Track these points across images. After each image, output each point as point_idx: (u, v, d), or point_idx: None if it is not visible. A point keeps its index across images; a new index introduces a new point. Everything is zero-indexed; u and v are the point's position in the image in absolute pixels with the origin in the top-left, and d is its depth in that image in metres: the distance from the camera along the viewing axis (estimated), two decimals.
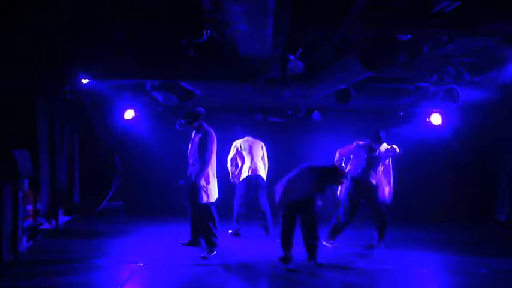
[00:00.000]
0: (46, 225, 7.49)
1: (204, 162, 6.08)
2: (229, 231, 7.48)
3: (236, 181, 7.61)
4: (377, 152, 6.81)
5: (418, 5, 4.61)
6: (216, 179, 6.37)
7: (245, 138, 7.67)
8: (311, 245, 5.79)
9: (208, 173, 6.16)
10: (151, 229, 7.95)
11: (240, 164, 7.58)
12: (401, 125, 9.05)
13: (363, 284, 5.48)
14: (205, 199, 6.13)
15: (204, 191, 6.11)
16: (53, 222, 7.65)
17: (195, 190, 6.11)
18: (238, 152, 7.57)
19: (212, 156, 6.20)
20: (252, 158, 7.51)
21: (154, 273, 5.53)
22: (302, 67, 6.24)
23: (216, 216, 6.21)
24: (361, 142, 6.85)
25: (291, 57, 6.10)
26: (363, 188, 6.75)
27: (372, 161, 6.78)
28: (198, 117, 6.25)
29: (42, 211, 7.16)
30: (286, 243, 5.77)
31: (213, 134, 6.24)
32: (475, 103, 8.03)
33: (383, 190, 6.93)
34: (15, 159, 5.91)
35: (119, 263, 5.85)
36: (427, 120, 8.76)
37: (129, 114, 8.59)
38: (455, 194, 9.15)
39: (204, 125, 6.28)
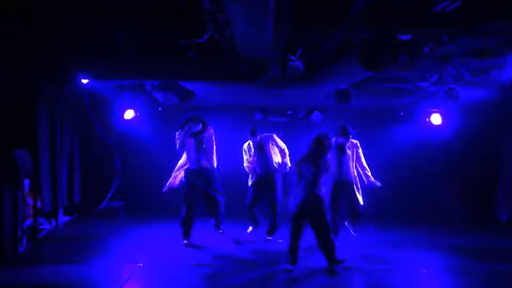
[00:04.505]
0: (46, 225, 7.49)
1: None
2: (268, 239, 7.11)
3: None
4: (345, 146, 7.07)
5: (418, 5, 4.61)
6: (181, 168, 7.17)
7: (255, 138, 7.19)
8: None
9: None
10: (152, 229, 7.96)
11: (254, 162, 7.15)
12: (401, 125, 9.06)
13: (363, 284, 5.50)
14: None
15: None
16: (53, 222, 7.66)
17: None
18: (253, 149, 7.17)
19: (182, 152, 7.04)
20: (268, 157, 7.15)
21: (154, 273, 5.53)
22: (302, 67, 6.23)
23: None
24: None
25: (291, 57, 6.09)
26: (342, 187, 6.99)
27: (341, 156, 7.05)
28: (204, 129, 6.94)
29: (42, 211, 7.16)
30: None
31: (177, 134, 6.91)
32: (475, 103, 8.03)
33: (367, 177, 7.09)
34: (15, 159, 5.92)
35: (118, 263, 5.86)
36: (427, 120, 8.74)
37: (129, 114, 8.57)
38: (456, 194, 9.13)
39: None
